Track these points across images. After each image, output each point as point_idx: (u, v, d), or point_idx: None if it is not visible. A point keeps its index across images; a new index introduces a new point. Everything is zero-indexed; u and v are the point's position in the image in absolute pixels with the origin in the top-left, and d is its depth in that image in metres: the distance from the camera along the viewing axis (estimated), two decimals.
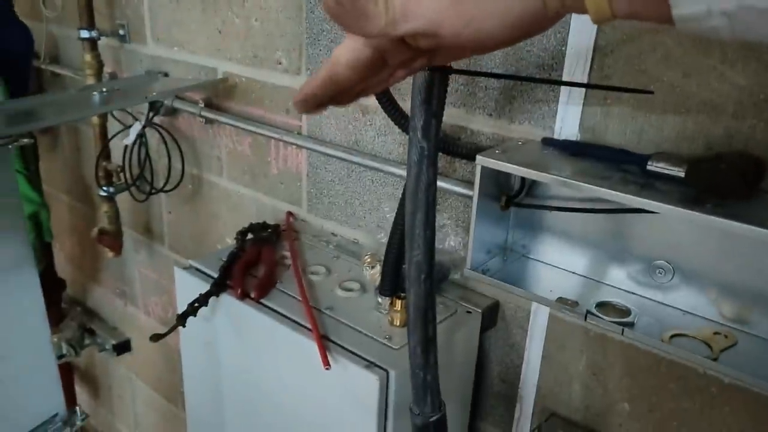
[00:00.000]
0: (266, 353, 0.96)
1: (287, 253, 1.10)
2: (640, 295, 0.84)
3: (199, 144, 1.42)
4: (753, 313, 0.76)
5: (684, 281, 0.81)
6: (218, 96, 1.33)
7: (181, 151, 1.43)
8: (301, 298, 0.96)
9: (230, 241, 1.38)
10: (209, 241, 1.47)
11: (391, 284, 0.95)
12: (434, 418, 0.71)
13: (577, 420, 0.97)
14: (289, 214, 1.26)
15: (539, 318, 0.96)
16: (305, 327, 0.90)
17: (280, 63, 1.19)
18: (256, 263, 1.06)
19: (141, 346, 1.88)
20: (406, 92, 0.99)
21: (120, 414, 2.15)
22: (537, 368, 0.99)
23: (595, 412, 0.94)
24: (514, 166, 0.79)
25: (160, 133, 1.42)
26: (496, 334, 1.01)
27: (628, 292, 0.85)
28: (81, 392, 2.21)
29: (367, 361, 0.84)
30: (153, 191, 1.48)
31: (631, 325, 0.78)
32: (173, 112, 1.42)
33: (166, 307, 1.70)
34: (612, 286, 0.87)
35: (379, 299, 0.96)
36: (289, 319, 0.93)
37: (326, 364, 0.83)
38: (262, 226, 1.17)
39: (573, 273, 0.90)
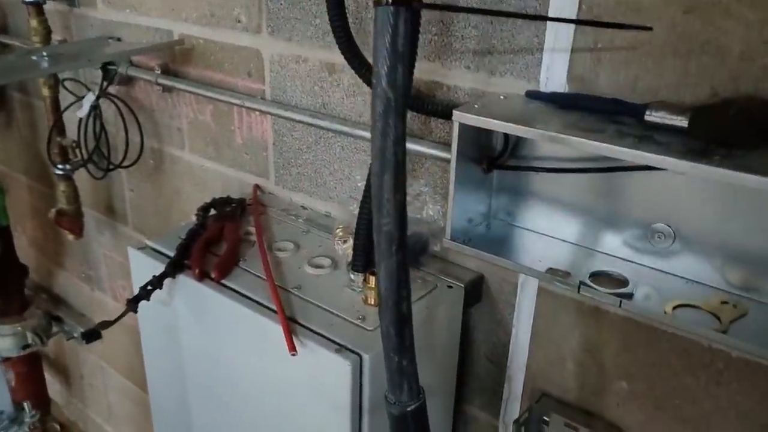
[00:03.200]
0: (228, 338, 0.87)
1: (252, 229, 1.01)
2: (638, 263, 0.76)
3: (158, 115, 1.31)
4: (763, 279, 0.68)
5: (686, 246, 0.73)
6: (175, 61, 1.22)
7: (139, 123, 1.32)
8: (265, 277, 0.87)
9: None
10: (174, 220, 1.38)
11: (364, 259, 0.86)
12: (412, 407, 0.63)
13: (571, 400, 0.89)
14: (256, 187, 1.16)
15: (527, 291, 0.88)
16: (270, 309, 0.82)
17: (239, 21, 1.08)
18: (217, 241, 0.97)
19: (111, 333, 1.78)
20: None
21: (93, 404, 2.06)
22: (526, 346, 0.91)
23: (590, 392, 0.87)
24: (496, 121, 0.70)
25: (116, 104, 1.32)
26: (481, 310, 0.93)
27: (625, 260, 0.77)
28: (52, 382, 2.11)
29: (338, 344, 0.76)
30: (111, 167, 1.38)
31: (629, 296, 0.70)
32: (129, 80, 1.31)
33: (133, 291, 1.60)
34: (606, 253, 0.78)
35: (352, 276, 0.87)
36: (252, 300, 0.84)
37: (292, 349, 0.75)
38: (226, 201, 1.07)
39: (563, 241, 0.82)
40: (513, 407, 0.95)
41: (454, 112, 0.72)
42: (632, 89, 0.71)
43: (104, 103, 1.34)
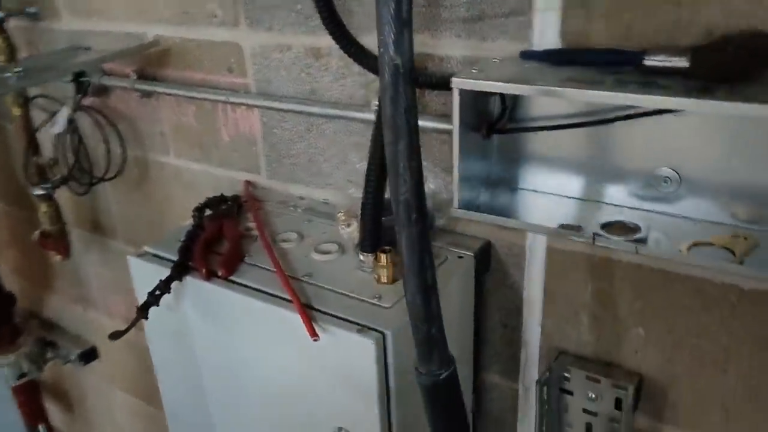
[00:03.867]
0: (245, 334, 0.86)
1: (252, 224, 1.00)
2: (646, 210, 0.77)
3: (138, 122, 1.29)
4: None
5: (691, 188, 0.74)
6: (151, 64, 1.19)
7: (119, 133, 1.30)
8: (274, 269, 0.86)
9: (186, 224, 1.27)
10: (167, 226, 1.35)
11: (372, 239, 0.86)
12: (444, 376, 0.63)
13: (589, 354, 0.90)
14: (248, 183, 1.15)
15: (537, 252, 0.89)
16: (284, 299, 0.81)
17: (214, 16, 1.07)
18: (218, 239, 0.96)
19: (109, 351, 1.75)
20: (358, 26, 0.89)
21: (98, 426, 2.03)
22: (539, 306, 0.91)
23: (607, 343, 0.88)
24: (496, 83, 0.70)
25: (93, 116, 1.29)
26: (492, 277, 0.94)
27: (632, 208, 0.78)
28: (53, 410, 2.07)
29: (359, 324, 0.75)
30: (94, 181, 1.35)
31: (643, 241, 0.71)
32: (104, 90, 1.28)
33: (130, 305, 1.57)
34: (614, 204, 0.79)
35: (361, 257, 0.87)
36: (264, 293, 0.83)
37: (314, 335, 0.74)
38: (220, 200, 1.06)
39: (569, 197, 0.82)
40: (532, 370, 0.96)
41: (453, 79, 0.72)
42: (626, 38, 0.72)
43: (80, 116, 1.31)
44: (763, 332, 0.76)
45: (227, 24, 1.06)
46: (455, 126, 0.75)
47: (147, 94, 1.22)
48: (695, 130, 0.71)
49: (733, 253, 0.67)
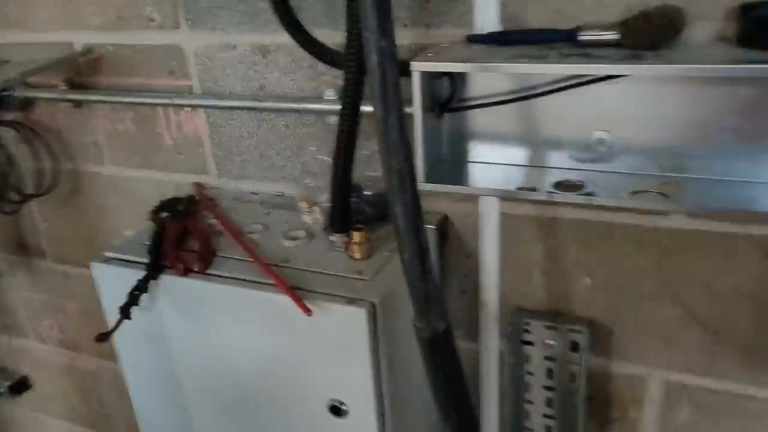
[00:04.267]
0: (229, 324, 0.88)
1: (214, 221, 1.02)
2: (586, 170, 0.87)
3: (68, 133, 1.25)
4: (687, 159, 0.82)
5: (623, 147, 0.85)
6: (81, 73, 1.17)
7: (48, 147, 1.25)
8: (250, 259, 0.89)
9: (129, 233, 1.25)
10: (103, 239, 1.32)
11: (343, 220, 0.91)
12: (443, 328, 0.70)
13: (543, 308, 1.00)
14: (197, 185, 1.16)
15: (490, 220, 0.97)
16: (268, 284, 0.84)
17: (151, 20, 1.07)
18: (184, 238, 0.97)
19: (42, 380, 1.67)
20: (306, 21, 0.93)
21: None
22: (496, 269, 1.00)
23: (559, 295, 0.98)
24: (454, 63, 0.78)
25: (18, 131, 1.24)
26: (450, 247, 1.01)
27: (574, 169, 0.88)
28: None
29: (347, 297, 0.80)
30: (23, 200, 1.29)
31: (591, 194, 0.81)
32: (28, 103, 1.24)
33: (65, 326, 1.51)
34: (557, 168, 0.89)
35: (332, 238, 0.92)
36: (247, 281, 0.86)
37: (306, 310, 0.78)
38: (175, 201, 1.06)
39: (517, 165, 0.91)
40: (492, 329, 1.05)
41: (413, 63, 0.79)
42: (559, 18, 0.81)
43: (2, 131, 1.25)
44: (691, 266, 0.88)
45: (166, 27, 1.06)
46: (417, 106, 0.82)
47: (78, 104, 1.20)
48: (623, 96, 0.82)
49: (666, 196, 0.78)
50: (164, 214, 1.03)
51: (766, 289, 0.85)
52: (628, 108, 0.83)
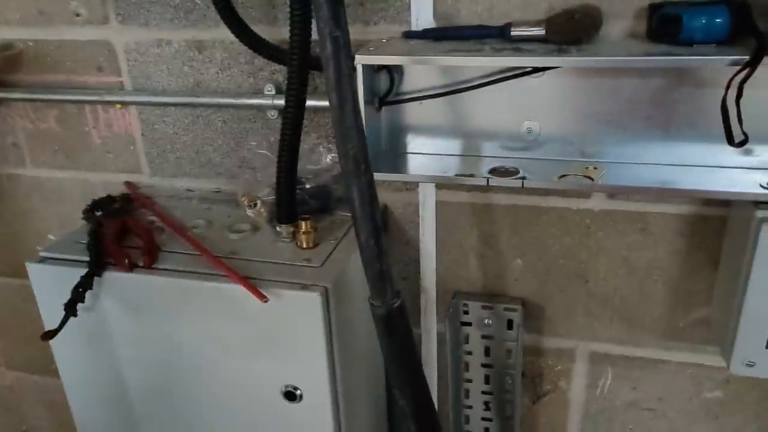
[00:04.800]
0: (180, 318, 0.88)
1: (154, 218, 1.00)
2: (517, 158, 0.94)
3: None
4: (607, 147, 0.90)
5: (550, 135, 0.92)
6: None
7: None
8: (197, 252, 0.89)
9: (54, 237, 1.22)
10: (26, 244, 1.26)
11: (289, 210, 0.93)
12: (397, 304, 0.73)
13: (478, 290, 1.06)
14: (129, 184, 1.14)
15: (428, 208, 1.02)
16: (218, 275, 0.85)
17: (77, 15, 1.04)
18: (124, 235, 0.95)
19: None
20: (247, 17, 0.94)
21: None
22: (433, 255, 1.05)
23: (493, 277, 1.04)
24: (399, 56, 0.82)
25: None
26: (390, 236, 1.05)
27: (506, 157, 0.94)
28: None
29: (300, 283, 0.82)
30: None
31: (524, 178, 0.88)
32: None
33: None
34: (490, 156, 0.95)
35: (278, 228, 0.93)
36: (196, 273, 0.86)
37: (262, 297, 0.79)
38: (110, 199, 1.04)
39: (453, 155, 0.97)
40: (431, 314, 1.10)
41: (357, 56, 0.82)
42: (490, 16, 0.88)
43: None
44: (610, 244, 0.97)
45: (94, 22, 1.04)
46: (361, 100, 0.85)
47: None
48: (549, 89, 0.89)
49: (591, 179, 0.86)
50: (99, 213, 1.00)
51: (676, 263, 0.95)
52: (554, 100, 0.90)
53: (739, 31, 0.75)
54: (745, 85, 0.71)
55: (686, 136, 0.86)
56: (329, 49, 0.65)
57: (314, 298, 0.80)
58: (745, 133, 0.72)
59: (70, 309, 0.82)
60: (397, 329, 0.75)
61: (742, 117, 0.72)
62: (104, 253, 0.89)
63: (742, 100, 0.72)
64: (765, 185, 0.79)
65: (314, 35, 0.93)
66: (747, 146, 0.76)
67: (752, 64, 0.70)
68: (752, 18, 0.73)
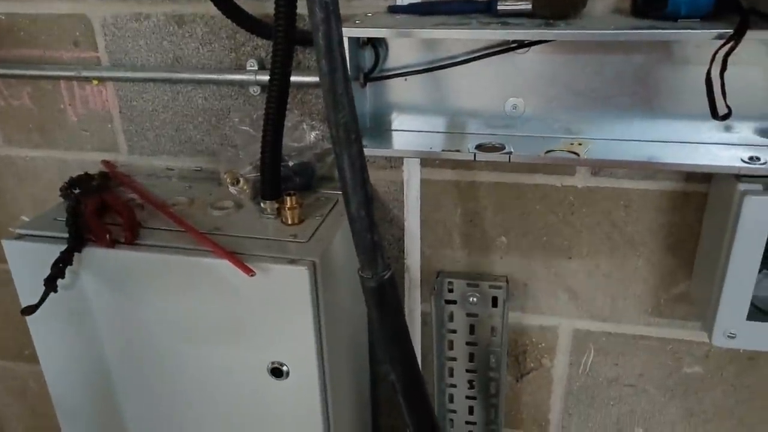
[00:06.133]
0: (162, 296, 0.86)
1: (134, 195, 0.98)
2: (503, 134, 0.94)
3: None
4: (593, 121, 0.91)
5: (535, 112, 0.92)
6: None
7: None
8: (181, 228, 0.88)
9: (27, 219, 1.18)
10: (2, 224, 1.23)
11: (274, 186, 0.91)
12: (387, 275, 0.73)
13: (462, 269, 1.06)
14: (106, 162, 1.11)
15: (412, 186, 1.02)
16: (202, 250, 0.83)
17: None
18: (103, 212, 0.93)
19: None
20: None
21: None
22: (418, 234, 1.05)
23: (477, 256, 1.04)
24: (387, 29, 0.81)
25: None
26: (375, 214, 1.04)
27: (492, 134, 0.94)
28: None
29: (288, 258, 0.81)
30: None
31: (510, 153, 0.88)
32: None
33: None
34: (475, 133, 0.95)
35: (263, 204, 0.92)
36: (180, 248, 0.84)
37: (249, 271, 0.78)
38: (88, 177, 1.01)
39: (438, 132, 0.96)
40: (414, 293, 1.10)
41: (343, 28, 0.81)
42: None
43: None
44: (593, 221, 0.98)
45: None
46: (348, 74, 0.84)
47: None
48: (534, 65, 0.89)
49: (577, 154, 0.87)
50: (77, 191, 0.98)
51: (658, 239, 0.97)
52: (539, 76, 0.90)
53: (722, 7, 0.76)
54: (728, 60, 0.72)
55: (669, 113, 0.87)
56: (319, 16, 0.64)
57: (302, 273, 0.79)
58: (728, 107, 0.73)
59: (50, 285, 0.79)
60: (388, 301, 0.74)
61: (726, 91, 0.73)
62: (84, 230, 0.87)
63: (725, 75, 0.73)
64: (746, 159, 0.80)
65: (299, 10, 0.93)
66: (727, 122, 0.77)
67: (736, 37, 0.71)
68: None
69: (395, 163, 1.01)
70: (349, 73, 0.82)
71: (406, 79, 0.94)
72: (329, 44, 0.65)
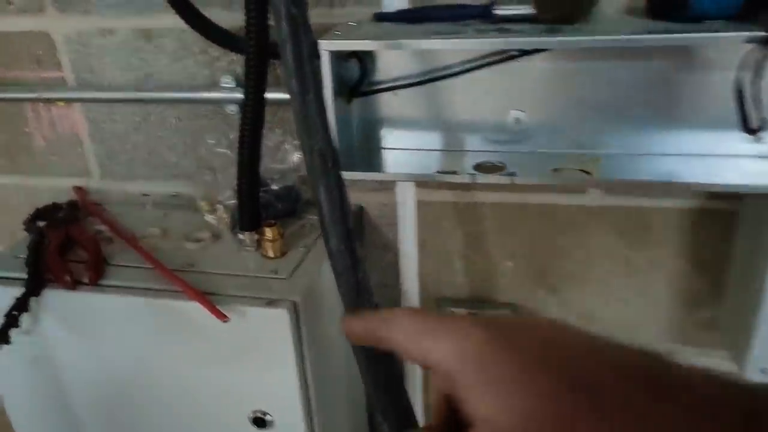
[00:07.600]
0: (130, 340, 0.78)
1: (102, 227, 0.90)
2: (504, 151, 0.85)
3: None
4: (603, 136, 0.82)
5: (539, 126, 0.83)
6: None
7: None
8: (149, 265, 0.79)
9: None
10: None
11: (252, 217, 0.83)
12: None
13: (465, 295, 0.97)
14: (78, 189, 1.03)
15: (407, 208, 0.93)
16: (173, 291, 0.75)
17: (9, 3, 0.93)
18: (68, 248, 0.85)
19: None
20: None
21: None
22: (415, 258, 0.96)
23: (480, 281, 0.96)
24: (370, 41, 0.72)
25: None
26: (367, 239, 0.96)
27: (492, 151, 0.86)
28: None
29: (266, 299, 0.73)
30: None
31: (513, 174, 0.79)
32: None
33: None
34: (474, 150, 0.86)
35: (241, 236, 0.84)
36: (148, 289, 0.76)
37: (222, 316, 0.70)
38: (54, 207, 0.94)
39: (433, 150, 0.88)
40: None
41: (321, 42, 0.73)
42: None
43: None
44: (607, 239, 0.89)
45: (29, 11, 0.93)
46: (327, 88, 0.76)
47: None
48: (538, 74, 0.81)
49: (589, 173, 0.77)
50: (42, 223, 0.90)
51: (681, 262, 0.87)
52: (543, 86, 0.81)
53: (752, 6, 0.67)
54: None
55: (690, 123, 0.78)
56: (286, 30, 0.56)
57: (281, 315, 0.71)
58: (763, 118, 0.64)
59: (3, 336, 0.71)
60: (376, 348, 0.66)
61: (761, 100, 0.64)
62: (45, 269, 0.79)
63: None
64: None
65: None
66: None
67: None
68: None
69: (388, 184, 0.92)
70: (329, 90, 0.76)
71: (396, 93, 0.86)
72: (299, 62, 0.56)
